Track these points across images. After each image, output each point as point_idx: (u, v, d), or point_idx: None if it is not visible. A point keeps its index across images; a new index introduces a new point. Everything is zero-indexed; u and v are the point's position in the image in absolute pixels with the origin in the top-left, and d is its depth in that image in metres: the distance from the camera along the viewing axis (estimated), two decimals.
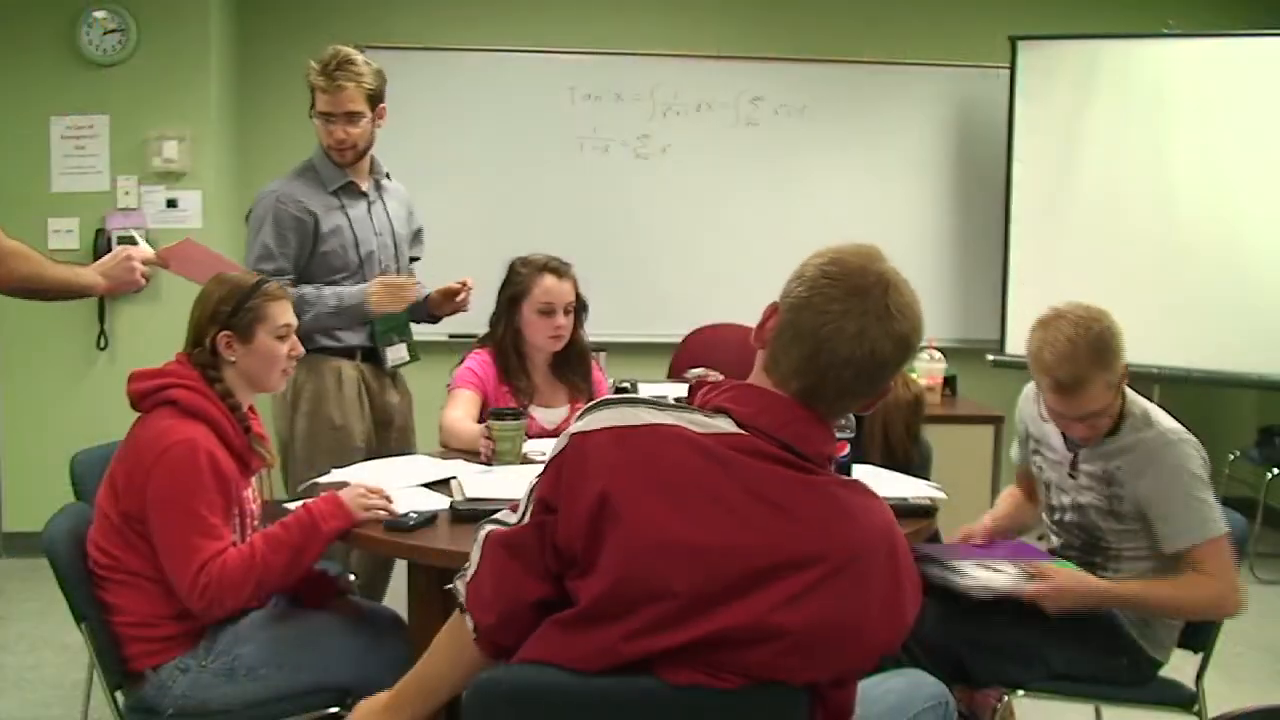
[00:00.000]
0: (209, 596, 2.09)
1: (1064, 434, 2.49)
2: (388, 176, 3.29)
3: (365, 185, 3.20)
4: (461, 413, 2.97)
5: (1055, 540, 2.61)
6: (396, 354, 3.23)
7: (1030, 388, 2.62)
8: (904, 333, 1.45)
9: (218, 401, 2.23)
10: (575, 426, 1.51)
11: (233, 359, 2.29)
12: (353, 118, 3.05)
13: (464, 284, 3.23)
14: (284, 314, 2.35)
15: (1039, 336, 2.34)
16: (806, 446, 1.47)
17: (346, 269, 3.12)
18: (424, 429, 3.34)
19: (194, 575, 2.08)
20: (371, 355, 3.20)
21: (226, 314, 2.28)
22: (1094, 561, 2.49)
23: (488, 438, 2.68)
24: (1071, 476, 2.50)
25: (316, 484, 2.50)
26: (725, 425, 1.48)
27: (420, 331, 3.65)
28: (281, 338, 2.34)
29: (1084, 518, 2.49)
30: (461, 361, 3.14)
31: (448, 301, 3.26)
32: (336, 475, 2.57)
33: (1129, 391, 2.42)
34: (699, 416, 1.49)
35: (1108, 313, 2.34)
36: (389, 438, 3.26)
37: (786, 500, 1.43)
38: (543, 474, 1.53)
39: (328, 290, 3.08)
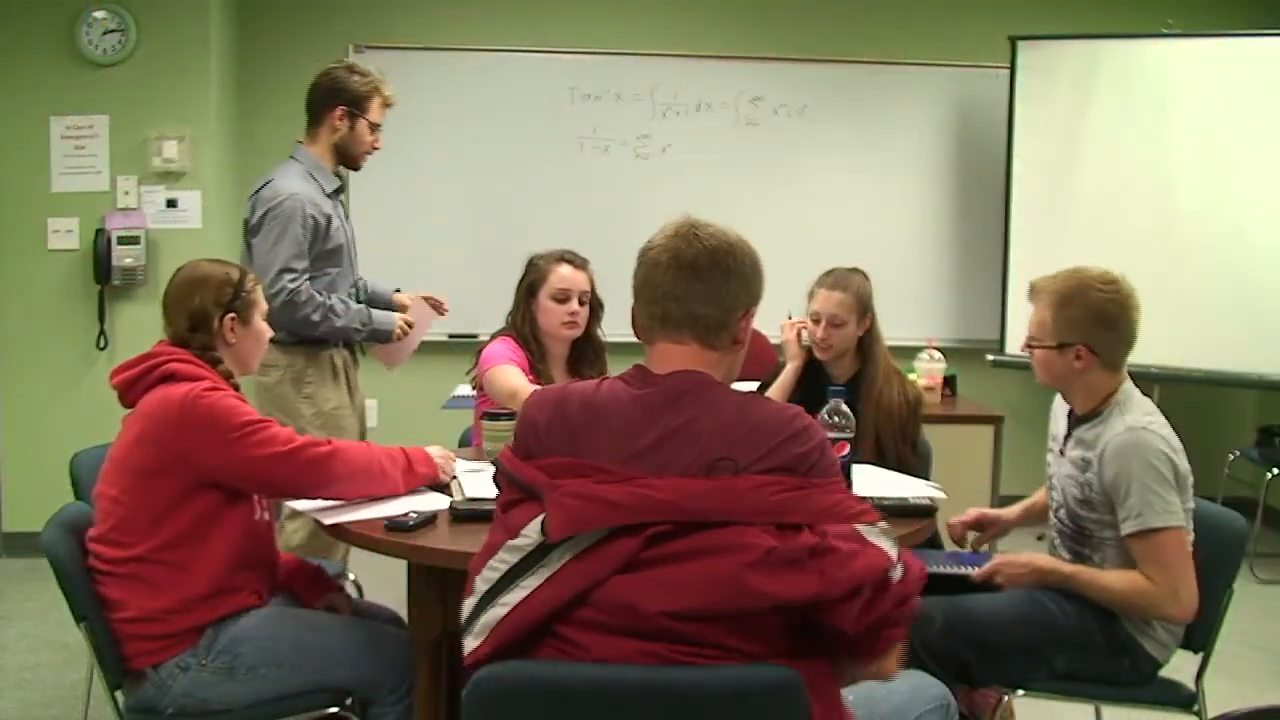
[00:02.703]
0: (319, 458, 2.21)
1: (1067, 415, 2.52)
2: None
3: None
4: (523, 381, 2.92)
5: (1056, 539, 2.61)
6: None
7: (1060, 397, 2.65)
8: (711, 247, 1.67)
9: (213, 372, 2.25)
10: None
11: (233, 341, 2.32)
12: None
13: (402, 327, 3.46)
14: (263, 300, 2.43)
15: None
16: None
17: (340, 265, 3.33)
18: (419, 428, 3.35)
19: (300, 446, 2.20)
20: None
21: (229, 298, 2.31)
22: (1083, 552, 2.48)
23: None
24: (1061, 453, 2.50)
25: None
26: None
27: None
28: (264, 321, 2.42)
29: (1067, 504, 2.49)
30: (482, 351, 3.09)
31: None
32: None
33: (1129, 384, 2.44)
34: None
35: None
36: (357, 408, 3.56)
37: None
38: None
39: (356, 306, 3.34)
